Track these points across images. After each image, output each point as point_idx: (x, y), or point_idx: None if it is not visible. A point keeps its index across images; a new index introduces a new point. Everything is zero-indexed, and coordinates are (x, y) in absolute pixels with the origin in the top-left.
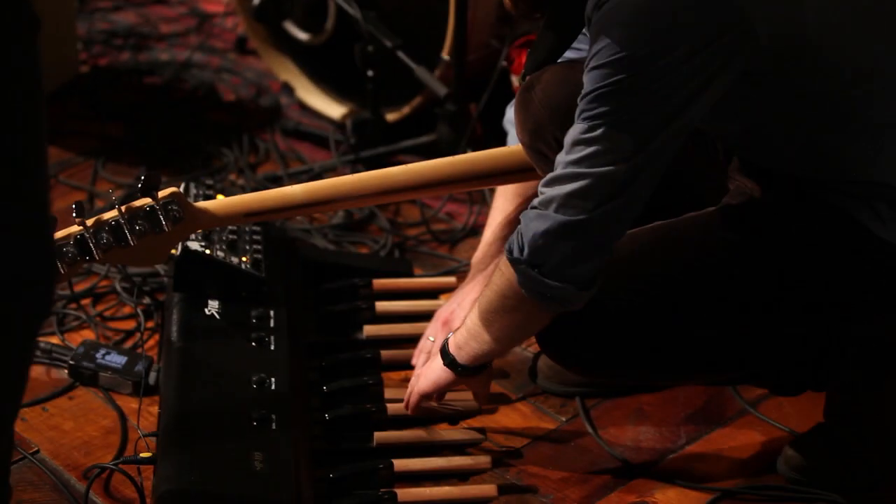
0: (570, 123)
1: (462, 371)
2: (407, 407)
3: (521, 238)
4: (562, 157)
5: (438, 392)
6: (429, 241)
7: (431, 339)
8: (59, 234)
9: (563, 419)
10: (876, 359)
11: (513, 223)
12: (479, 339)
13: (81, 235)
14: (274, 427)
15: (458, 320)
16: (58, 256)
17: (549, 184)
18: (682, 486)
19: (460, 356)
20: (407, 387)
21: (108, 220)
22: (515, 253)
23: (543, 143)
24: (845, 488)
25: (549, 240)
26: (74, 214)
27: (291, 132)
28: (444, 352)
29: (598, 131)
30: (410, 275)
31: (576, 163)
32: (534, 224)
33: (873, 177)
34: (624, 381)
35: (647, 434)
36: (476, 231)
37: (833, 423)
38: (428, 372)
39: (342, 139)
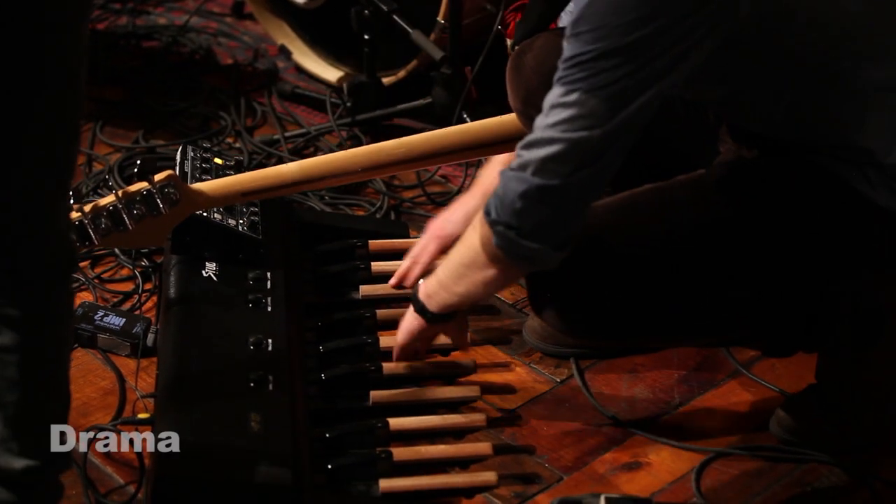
0: None
1: (432, 318)
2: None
3: (499, 199)
4: (540, 121)
5: (414, 338)
6: (424, 203)
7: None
8: None
9: (558, 380)
10: (866, 319)
11: None
12: (449, 291)
13: (80, 222)
14: (271, 388)
15: (449, 228)
16: None
17: (527, 147)
18: (676, 446)
19: (430, 304)
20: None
21: (105, 205)
22: (493, 214)
23: (535, 110)
24: (836, 449)
25: (526, 203)
26: (71, 201)
27: (288, 95)
28: (415, 299)
29: (575, 96)
30: (406, 236)
31: (552, 126)
32: (511, 185)
33: (861, 141)
34: (617, 343)
35: (641, 394)
36: None
37: (824, 384)
38: (403, 322)
39: (339, 102)
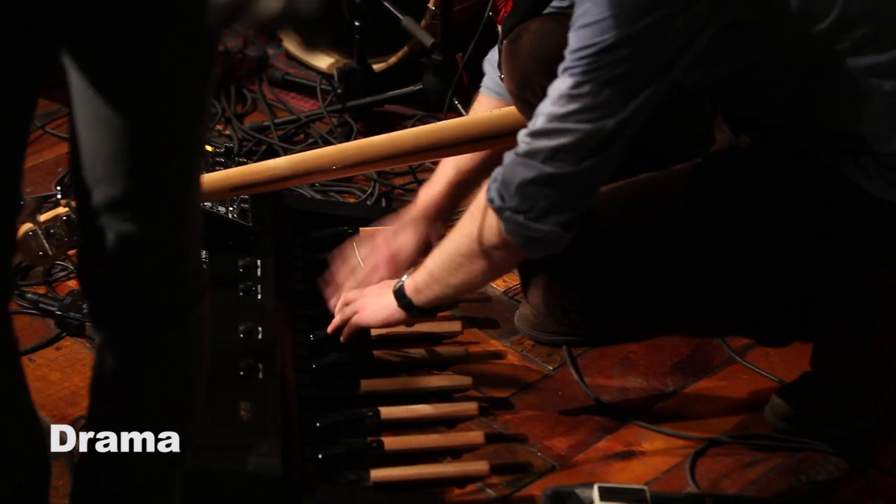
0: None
1: (417, 313)
2: (338, 333)
3: (505, 185)
4: (546, 109)
5: (384, 326)
6: (415, 190)
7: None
8: (44, 217)
9: (551, 368)
10: (860, 307)
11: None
12: (442, 283)
13: (68, 216)
14: (261, 377)
15: (405, 256)
16: (46, 238)
17: (536, 136)
18: (670, 434)
19: (418, 299)
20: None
21: (62, 214)
22: (498, 201)
23: (531, 93)
24: (833, 436)
25: (536, 188)
26: (60, 196)
27: (279, 82)
28: (401, 294)
29: (585, 87)
30: None
31: (562, 117)
32: (519, 171)
33: (857, 129)
34: (610, 331)
35: (635, 383)
36: None
37: (819, 371)
38: (377, 308)
39: (329, 89)
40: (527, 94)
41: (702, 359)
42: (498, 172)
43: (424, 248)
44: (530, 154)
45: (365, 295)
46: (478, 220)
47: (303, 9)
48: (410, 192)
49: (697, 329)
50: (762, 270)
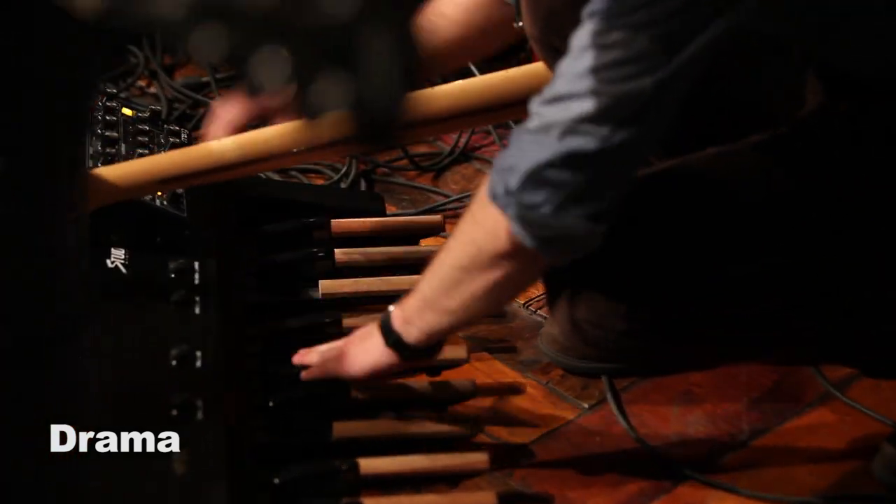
0: None
1: (410, 354)
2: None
3: (511, 172)
4: (567, 67)
5: (374, 378)
6: (405, 168)
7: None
8: None
9: (585, 405)
10: None
11: None
12: (438, 309)
13: None
14: (200, 416)
15: None
16: None
17: (551, 102)
18: (746, 495)
19: (409, 333)
20: None
21: None
22: (502, 195)
23: (557, 37)
24: None
25: (554, 174)
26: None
27: None
28: (388, 328)
29: (617, 35)
30: (381, 213)
31: (587, 74)
32: (529, 151)
33: None
34: (659, 358)
35: (698, 425)
36: (468, 156)
37: None
38: (360, 352)
39: None
40: (552, 38)
41: (788, 393)
42: (501, 157)
43: None
44: (544, 128)
45: (350, 341)
46: (479, 222)
47: (371, 122)
48: (399, 172)
49: (772, 355)
50: (861, 275)
